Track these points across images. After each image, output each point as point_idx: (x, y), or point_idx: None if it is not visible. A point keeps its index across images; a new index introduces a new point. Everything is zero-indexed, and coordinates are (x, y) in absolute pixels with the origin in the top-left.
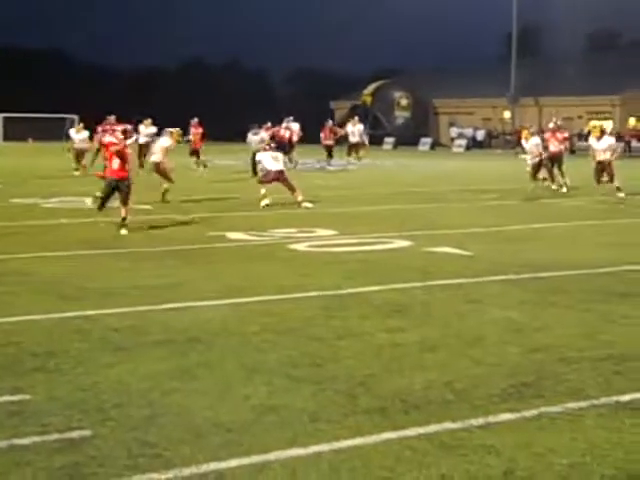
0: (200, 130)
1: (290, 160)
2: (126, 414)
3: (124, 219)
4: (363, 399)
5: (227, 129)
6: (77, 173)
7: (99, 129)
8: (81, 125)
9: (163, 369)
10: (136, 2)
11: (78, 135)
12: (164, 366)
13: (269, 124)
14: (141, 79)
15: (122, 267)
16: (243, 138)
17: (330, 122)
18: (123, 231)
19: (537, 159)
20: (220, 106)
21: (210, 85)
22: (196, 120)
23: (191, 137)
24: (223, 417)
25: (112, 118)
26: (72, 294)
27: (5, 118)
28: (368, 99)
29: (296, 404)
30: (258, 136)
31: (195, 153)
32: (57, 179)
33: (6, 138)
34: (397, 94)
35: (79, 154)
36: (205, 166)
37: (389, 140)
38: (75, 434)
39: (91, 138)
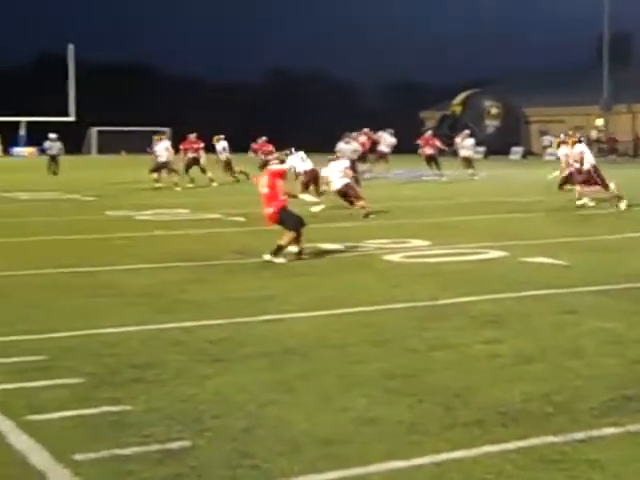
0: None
1: (368, 170)
2: (224, 425)
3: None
4: (461, 411)
5: (315, 139)
6: (157, 185)
7: (182, 147)
8: (160, 137)
9: (260, 381)
10: (224, 15)
11: (158, 147)
12: (261, 378)
13: (365, 131)
14: (229, 90)
15: (215, 279)
16: (331, 148)
17: (429, 132)
18: (276, 259)
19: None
20: (308, 116)
21: (297, 95)
22: (264, 138)
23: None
24: (321, 429)
25: (192, 136)
26: (167, 306)
27: (99, 131)
28: (457, 109)
29: (394, 416)
30: (351, 145)
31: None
32: (150, 191)
33: (100, 151)
34: (487, 103)
35: (159, 167)
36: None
37: (480, 149)
38: (175, 445)
39: (177, 152)
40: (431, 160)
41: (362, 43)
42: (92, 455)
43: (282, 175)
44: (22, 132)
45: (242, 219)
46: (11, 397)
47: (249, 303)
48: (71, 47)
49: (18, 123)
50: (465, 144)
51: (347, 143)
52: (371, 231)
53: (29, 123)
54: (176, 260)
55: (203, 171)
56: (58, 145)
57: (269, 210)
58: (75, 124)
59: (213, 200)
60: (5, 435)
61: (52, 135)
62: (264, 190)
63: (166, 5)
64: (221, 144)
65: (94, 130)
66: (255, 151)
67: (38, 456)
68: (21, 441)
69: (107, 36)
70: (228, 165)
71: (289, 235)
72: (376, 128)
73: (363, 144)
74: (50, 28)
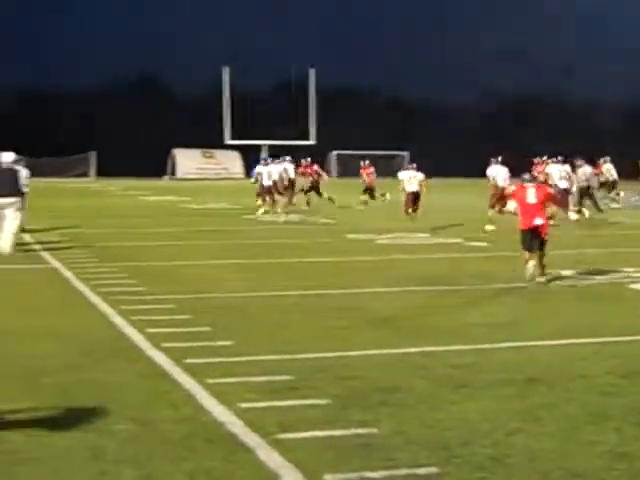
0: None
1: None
2: (471, 452)
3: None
4: None
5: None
6: (261, 211)
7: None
8: (269, 160)
9: (505, 409)
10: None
11: (266, 169)
12: (506, 406)
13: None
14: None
15: (456, 304)
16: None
17: None
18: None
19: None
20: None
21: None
22: (367, 162)
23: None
24: (571, 462)
25: (308, 160)
26: (409, 330)
27: (338, 155)
28: None
29: None
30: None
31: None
32: (391, 214)
33: (343, 174)
34: None
35: (266, 191)
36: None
37: None
38: (422, 470)
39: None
40: None
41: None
42: (341, 476)
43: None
44: (264, 154)
45: (483, 244)
46: (262, 415)
47: (490, 329)
48: (312, 71)
49: (260, 146)
50: None
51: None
52: (609, 258)
53: (270, 146)
54: (417, 284)
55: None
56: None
57: (539, 221)
58: (314, 147)
59: (449, 225)
60: (257, 452)
61: (287, 157)
62: (532, 201)
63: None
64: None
65: (334, 154)
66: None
67: (291, 475)
68: (273, 459)
69: (345, 60)
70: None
71: (542, 254)
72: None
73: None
74: (291, 53)
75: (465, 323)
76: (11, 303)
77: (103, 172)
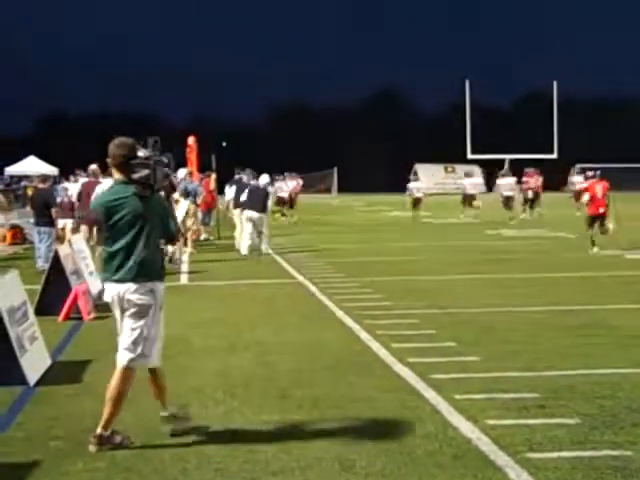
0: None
1: None
2: None
3: None
4: None
5: None
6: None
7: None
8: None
9: None
10: None
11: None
12: None
13: None
14: None
15: None
16: None
17: None
18: None
19: None
20: None
21: None
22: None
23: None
24: None
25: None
26: None
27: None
28: None
29: None
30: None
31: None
32: None
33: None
34: None
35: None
36: None
37: None
38: None
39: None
40: None
41: None
42: None
43: None
44: (506, 167)
45: None
46: (510, 433)
47: None
48: (555, 83)
49: (503, 160)
50: None
51: None
52: None
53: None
54: None
55: None
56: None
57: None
58: (556, 161)
59: None
60: (506, 470)
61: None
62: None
63: None
64: None
65: (577, 167)
66: None
67: None
68: (521, 478)
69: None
70: None
71: None
72: None
73: None
74: (537, 66)
75: None
76: (263, 316)
77: (342, 188)
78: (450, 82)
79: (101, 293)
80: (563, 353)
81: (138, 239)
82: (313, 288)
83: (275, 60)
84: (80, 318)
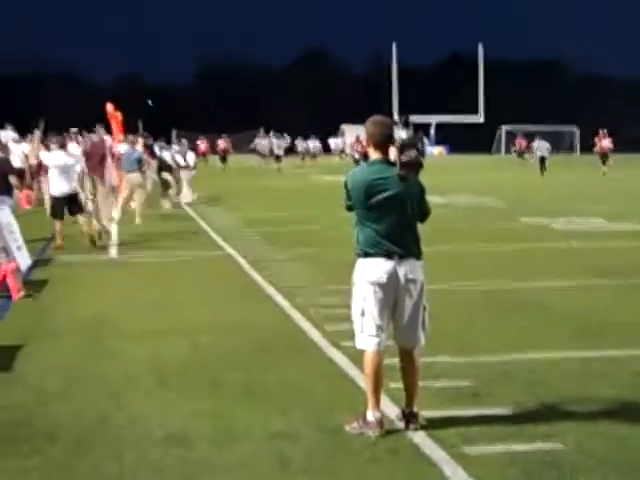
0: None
1: None
2: None
3: None
4: None
5: None
6: None
7: None
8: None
9: None
10: None
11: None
12: None
13: None
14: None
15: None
16: None
17: None
18: None
19: None
20: None
21: None
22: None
23: None
24: None
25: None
26: (590, 331)
27: (507, 132)
28: None
29: None
30: None
31: None
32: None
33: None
34: None
35: None
36: None
37: None
38: None
39: None
40: None
41: None
42: None
43: None
44: (432, 131)
45: None
46: (443, 425)
47: None
48: (480, 46)
49: (428, 123)
50: None
51: None
52: None
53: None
54: (596, 276)
55: None
56: None
57: None
58: (483, 125)
59: (629, 208)
60: (441, 467)
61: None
62: None
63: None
64: None
65: (503, 129)
66: None
67: None
68: (456, 474)
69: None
70: None
71: None
72: None
73: None
74: (460, 28)
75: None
76: (195, 295)
77: None
78: (377, 42)
79: (30, 268)
80: (496, 336)
81: (396, 220)
82: (242, 261)
83: (206, 18)
84: (9, 297)
